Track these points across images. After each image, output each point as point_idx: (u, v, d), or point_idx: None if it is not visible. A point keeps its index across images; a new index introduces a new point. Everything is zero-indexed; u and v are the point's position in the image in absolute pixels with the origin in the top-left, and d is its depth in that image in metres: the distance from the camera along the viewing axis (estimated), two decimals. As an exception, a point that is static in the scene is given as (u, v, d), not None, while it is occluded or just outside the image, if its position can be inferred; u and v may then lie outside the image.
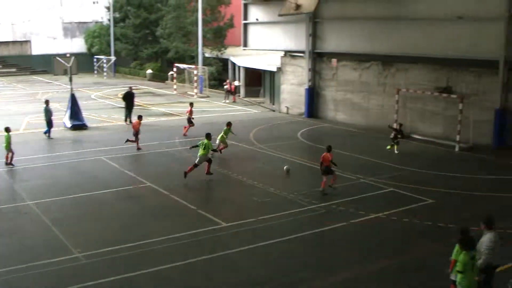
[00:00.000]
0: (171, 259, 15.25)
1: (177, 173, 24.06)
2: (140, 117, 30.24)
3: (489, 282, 12.27)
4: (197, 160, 23.75)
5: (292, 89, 43.33)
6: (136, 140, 29.27)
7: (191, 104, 33.98)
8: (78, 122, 35.56)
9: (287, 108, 43.63)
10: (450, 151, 30.14)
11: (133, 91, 39.83)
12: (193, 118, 33.10)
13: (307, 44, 40.83)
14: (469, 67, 31.75)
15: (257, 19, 45.58)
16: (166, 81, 65.14)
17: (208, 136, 24.31)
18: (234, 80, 55.19)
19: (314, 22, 40.36)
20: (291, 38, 42.53)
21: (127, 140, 29.43)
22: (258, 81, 54.04)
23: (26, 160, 26.70)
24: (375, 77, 37.33)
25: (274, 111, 44.87)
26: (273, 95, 47.83)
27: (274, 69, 46.03)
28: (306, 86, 41.60)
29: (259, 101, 50.80)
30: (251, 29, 46.98)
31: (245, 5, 46.94)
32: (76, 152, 28.95)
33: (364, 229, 18.05)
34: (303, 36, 41.02)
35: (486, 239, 12.18)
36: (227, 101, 50.25)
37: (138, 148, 29.17)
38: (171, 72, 61.50)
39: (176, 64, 58.76)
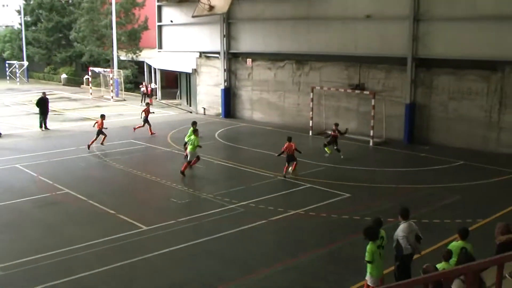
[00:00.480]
0: (92, 266, 14.82)
1: (96, 179, 23.62)
2: (103, 116, 30.89)
3: (407, 270, 12.63)
4: (188, 156, 24.71)
5: (209, 90, 43.29)
6: (95, 139, 30.09)
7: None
8: (-10, 130, 34.36)
9: (204, 109, 43.58)
10: (364, 146, 30.87)
11: (47, 96, 38.76)
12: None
13: (222, 45, 40.90)
14: (379, 64, 32.65)
15: (171, 21, 45.28)
16: (82, 86, 63.89)
17: (195, 132, 24.91)
18: (151, 82, 54.64)
19: (228, 23, 40.49)
20: (206, 39, 42.47)
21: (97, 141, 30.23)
22: (175, 83, 53.75)
23: None
24: (290, 76, 37.79)
25: (191, 112, 44.73)
26: (190, 96, 47.65)
27: (190, 71, 45.83)
28: (222, 87, 41.66)
29: (176, 103, 50.51)
30: (166, 31, 46.62)
31: (159, 7, 46.53)
32: (-11, 161, 27.95)
33: (283, 226, 18.17)
34: (218, 37, 41.06)
35: (401, 228, 12.58)
36: (144, 103, 49.71)
37: (102, 143, 30.27)
38: (86, 76, 60.39)
39: (91, 68, 57.74)
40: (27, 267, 14.79)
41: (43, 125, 36.66)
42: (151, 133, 33.89)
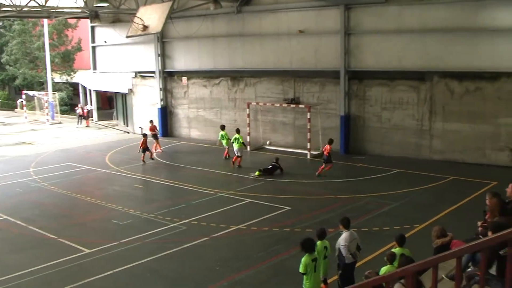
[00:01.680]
0: (32, 293, 14.41)
1: (35, 203, 23.07)
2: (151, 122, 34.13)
3: (350, 277, 12.73)
4: (238, 153, 29.38)
5: (145, 109, 42.88)
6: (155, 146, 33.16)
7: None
8: None
9: (141, 128, 43.08)
10: (302, 159, 31.12)
11: None
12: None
13: (157, 64, 40.68)
14: (313, 78, 33.05)
15: (105, 41, 44.82)
16: (16, 109, 62.29)
17: (238, 131, 30.15)
18: (86, 104, 53.75)
19: (162, 41, 40.33)
20: (141, 58, 42.14)
21: None
22: (111, 104, 53.03)
23: None
24: (226, 92, 37.84)
25: (128, 133, 44.19)
26: (127, 116, 47.05)
27: (126, 91, 45.24)
28: (158, 106, 41.38)
29: (113, 123, 49.84)
30: (100, 52, 46.12)
31: (92, 28, 46.02)
32: None
33: (226, 242, 18.08)
34: (153, 57, 40.84)
35: (342, 237, 12.69)
36: (80, 125, 48.90)
37: None
38: (20, 100, 58.92)
39: (24, 91, 56.37)
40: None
41: None
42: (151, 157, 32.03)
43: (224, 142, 31.33)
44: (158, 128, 35.24)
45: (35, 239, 18.98)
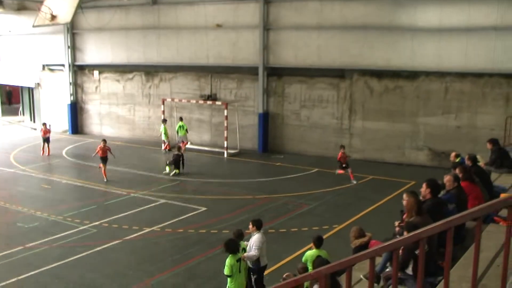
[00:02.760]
0: None
1: None
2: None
3: (260, 281, 12.79)
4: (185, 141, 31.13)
5: (54, 104, 41.84)
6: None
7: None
8: None
9: (49, 125, 41.93)
10: (219, 158, 31.13)
11: None
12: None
13: (67, 56, 39.72)
14: (231, 74, 33.12)
15: (9, 31, 43.43)
16: None
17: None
18: (-11, 98, 51.94)
19: (72, 33, 39.43)
20: (49, 50, 41.00)
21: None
22: (18, 98, 51.39)
23: None
24: (140, 88, 37.41)
25: (35, 129, 42.99)
26: (34, 112, 45.70)
27: (33, 85, 43.95)
28: (68, 101, 40.47)
29: (19, 119, 48.36)
30: (4, 41, 44.64)
31: (-5, 16, 44.56)
32: None
33: (139, 244, 17.80)
34: (62, 48, 39.84)
35: (255, 239, 12.64)
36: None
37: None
38: None
39: None
40: None
41: None
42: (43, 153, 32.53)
43: (164, 136, 32.75)
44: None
45: None
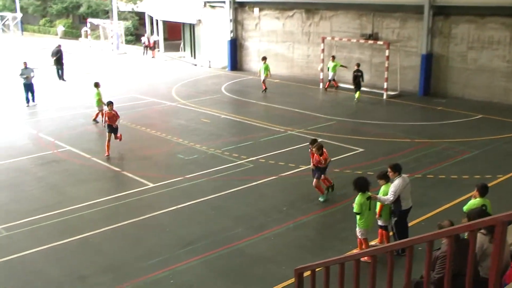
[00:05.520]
0: (98, 225, 14.86)
1: (98, 135, 23.72)
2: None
3: (402, 225, 12.74)
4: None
5: (214, 41, 42.99)
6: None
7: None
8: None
9: (209, 61, 43.37)
10: (378, 99, 30.76)
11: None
12: None
13: (228, -7, 40.51)
14: (394, 12, 32.28)
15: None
16: (80, 38, 63.40)
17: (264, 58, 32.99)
18: (152, 34, 54.21)
19: (234, -31, 40.06)
20: (211, -13, 42.03)
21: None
22: (178, 35, 53.33)
23: None
24: (299, 26, 37.46)
25: (196, 65, 44.54)
26: (194, 48, 47.29)
27: (194, 21, 45.36)
28: (228, 38, 41.37)
29: (179, 55, 50.23)
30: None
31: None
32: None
33: (294, 182, 18.21)
34: (223, -15, 40.64)
35: (394, 184, 12.47)
36: (146, 56, 49.54)
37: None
38: (84, 29, 59.93)
39: (89, 20, 57.21)
40: (30, 227, 14.82)
41: (61, 77, 37.53)
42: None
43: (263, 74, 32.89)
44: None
45: (99, 172, 19.59)
